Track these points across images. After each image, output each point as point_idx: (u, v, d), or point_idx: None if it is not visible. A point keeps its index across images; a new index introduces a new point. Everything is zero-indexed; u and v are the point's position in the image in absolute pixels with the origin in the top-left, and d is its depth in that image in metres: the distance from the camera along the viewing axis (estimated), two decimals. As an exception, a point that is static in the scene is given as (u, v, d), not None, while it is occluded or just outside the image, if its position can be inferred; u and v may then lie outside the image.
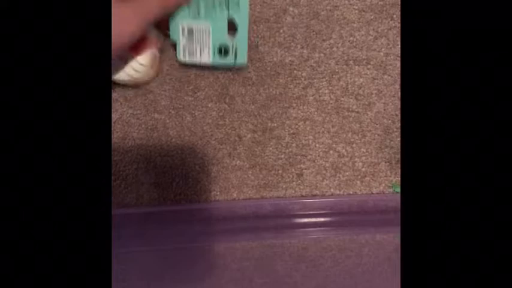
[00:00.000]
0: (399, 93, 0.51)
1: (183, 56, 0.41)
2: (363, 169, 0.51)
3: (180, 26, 0.39)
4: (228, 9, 0.39)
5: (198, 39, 0.39)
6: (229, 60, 0.41)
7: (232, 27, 0.40)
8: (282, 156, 0.51)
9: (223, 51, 0.40)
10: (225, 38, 0.40)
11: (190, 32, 0.39)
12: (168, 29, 0.40)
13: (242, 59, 0.40)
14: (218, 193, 0.50)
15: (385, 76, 0.51)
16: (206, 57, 0.40)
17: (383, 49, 0.51)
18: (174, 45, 0.40)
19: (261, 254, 0.45)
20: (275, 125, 0.51)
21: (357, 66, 0.51)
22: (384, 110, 0.51)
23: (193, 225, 0.49)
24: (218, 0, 0.39)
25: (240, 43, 0.40)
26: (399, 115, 0.51)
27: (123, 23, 0.30)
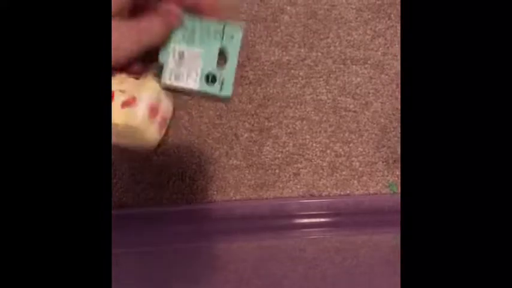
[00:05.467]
0: (396, 92, 0.51)
1: (168, 79, 0.39)
2: (360, 168, 0.51)
3: (172, 48, 0.39)
4: (222, 39, 0.39)
5: (188, 64, 0.38)
6: (214, 89, 0.38)
7: (222, 58, 0.40)
8: (279, 155, 0.51)
9: (210, 79, 0.37)
10: (214, 67, 0.40)
11: (181, 56, 0.38)
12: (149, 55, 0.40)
13: (227, 91, 0.38)
14: (215, 192, 0.50)
15: (383, 75, 0.51)
16: (192, 82, 0.40)
17: (380, 48, 0.50)
18: (157, 72, 0.40)
19: (258, 255, 0.45)
20: (272, 124, 0.50)
21: (354, 66, 0.50)
22: (381, 109, 0.51)
23: (190, 226, 0.49)
24: (214, 28, 0.39)
25: (227, 75, 0.40)
26: (396, 114, 0.51)
27: (118, 38, 0.30)
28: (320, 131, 0.51)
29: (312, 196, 0.51)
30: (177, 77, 0.37)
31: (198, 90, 0.38)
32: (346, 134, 0.51)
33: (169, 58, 0.37)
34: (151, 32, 0.35)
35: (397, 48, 0.50)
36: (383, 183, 0.51)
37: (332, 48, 0.50)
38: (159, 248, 0.45)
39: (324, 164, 0.51)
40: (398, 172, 0.51)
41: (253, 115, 0.50)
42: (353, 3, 0.50)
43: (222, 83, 0.38)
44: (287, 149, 0.51)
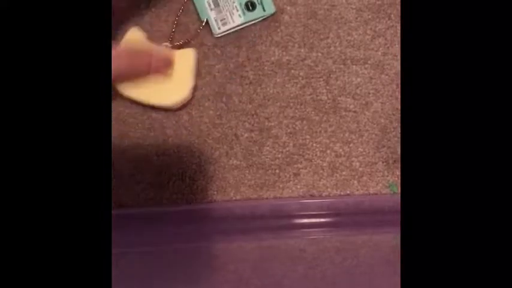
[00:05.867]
0: (396, 92, 0.51)
1: (218, 29, 0.44)
2: (360, 169, 0.51)
3: (205, 2, 0.43)
4: None
5: (225, 6, 0.43)
6: (259, 13, 0.44)
7: None
8: (279, 155, 0.51)
9: (250, 6, 0.43)
10: None
11: (216, 3, 0.43)
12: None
13: (270, 8, 0.44)
14: (215, 192, 0.50)
15: (383, 76, 0.51)
16: (238, 19, 0.44)
17: (380, 48, 0.50)
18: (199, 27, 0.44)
19: (258, 256, 0.45)
20: (272, 124, 0.51)
21: (354, 66, 0.50)
22: (381, 109, 0.51)
23: (190, 226, 0.49)
24: None
25: None
26: (396, 115, 0.51)
27: None
28: (320, 131, 0.51)
29: (312, 196, 0.51)
30: (224, 23, 0.43)
31: (246, 23, 0.44)
32: (346, 134, 0.51)
33: (208, 11, 0.43)
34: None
35: (397, 48, 0.50)
36: (383, 183, 0.51)
37: (332, 48, 0.50)
38: (159, 248, 0.45)
39: (324, 164, 0.51)
40: (398, 172, 0.51)
41: (253, 115, 0.50)
42: (353, 3, 0.50)
43: (262, 4, 0.43)
44: (287, 149, 0.51)
